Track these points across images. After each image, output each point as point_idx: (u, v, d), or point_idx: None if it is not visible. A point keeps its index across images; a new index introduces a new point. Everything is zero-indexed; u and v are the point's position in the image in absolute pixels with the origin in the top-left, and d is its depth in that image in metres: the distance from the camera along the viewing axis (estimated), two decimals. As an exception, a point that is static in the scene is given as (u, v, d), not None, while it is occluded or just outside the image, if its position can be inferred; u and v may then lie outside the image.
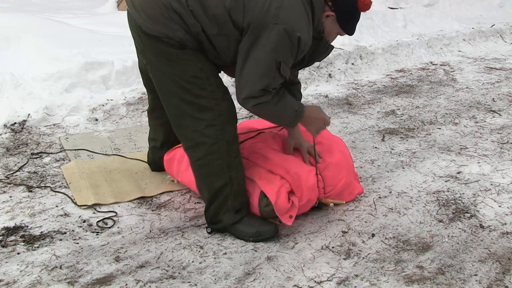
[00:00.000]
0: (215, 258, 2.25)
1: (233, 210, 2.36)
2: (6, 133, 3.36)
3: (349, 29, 2.35)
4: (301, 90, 2.73)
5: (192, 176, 2.45)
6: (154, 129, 2.85)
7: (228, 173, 2.32)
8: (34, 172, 2.94)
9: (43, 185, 2.80)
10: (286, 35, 2.11)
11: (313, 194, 2.48)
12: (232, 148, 2.32)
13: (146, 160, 3.00)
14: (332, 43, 2.40)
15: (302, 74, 4.60)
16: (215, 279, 2.12)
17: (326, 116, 2.46)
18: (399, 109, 4.17)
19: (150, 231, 2.44)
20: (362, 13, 2.33)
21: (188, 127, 2.31)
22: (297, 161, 2.52)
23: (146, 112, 2.92)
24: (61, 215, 2.53)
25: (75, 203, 2.63)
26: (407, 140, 3.55)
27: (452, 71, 5.36)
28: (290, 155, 2.58)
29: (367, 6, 2.27)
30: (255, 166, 2.49)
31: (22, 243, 2.30)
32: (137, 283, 2.08)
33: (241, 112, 3.70)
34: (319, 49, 2.37)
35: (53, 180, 2.87)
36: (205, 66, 2.26)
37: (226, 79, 4.25)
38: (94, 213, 2.56)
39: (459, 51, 6.17)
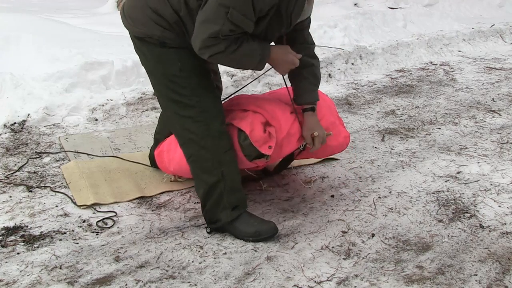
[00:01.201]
0: (215, 258, 2.25)
1: (230, 207, 2.37)
2: (6, 133, 3.36)
3: None
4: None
5: (182, 153, 2.44)
6: (161, 124, 2.89)
7: (220, 168, 2.34)
8: (34, 172, 2.94)
9: (43, 185, 2.80)
10: None
11: (293, 127, 2.44)
12: (220, 143, 2.34)
13: (145, 163, 2.99)
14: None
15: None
16: (215, 279, 2.12)
17: (294, 58, 2.37)
18: (399, 109, 4.17)
19: (150, 231, 2.44)
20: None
21: (177, 125, 2.38)
22: (270, 99, 2.53)
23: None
24: (61, 215, 2.53)
25: (74, 203, 2.63)
26: (407, 140, 3.55)
27: (452, 71, 5.36)
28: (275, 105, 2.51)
29: None
30: (230, 112, 2.50)
31: (22, 243, 2.30)
32: (137, 283, 2.08)
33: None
34: (292, 1, 2.21)
35: (53, 180, 2.87)
36: (186, 65, 2.29)
37: (226, 79, 4.26)
38: (94, 213, 2.56)
39: (459, 51, 6.17)
